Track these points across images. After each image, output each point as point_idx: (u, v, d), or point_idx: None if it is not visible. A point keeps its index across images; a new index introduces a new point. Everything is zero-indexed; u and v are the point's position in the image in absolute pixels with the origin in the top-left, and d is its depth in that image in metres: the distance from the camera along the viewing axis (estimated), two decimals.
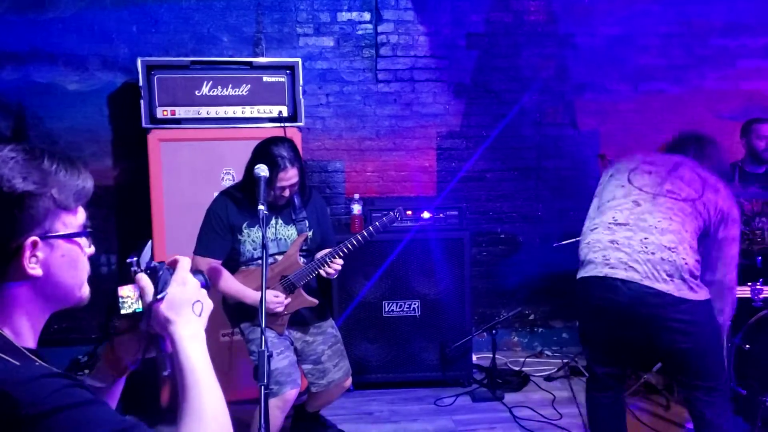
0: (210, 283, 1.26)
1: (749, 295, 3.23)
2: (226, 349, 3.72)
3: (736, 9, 4.88)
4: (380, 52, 4.62)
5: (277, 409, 2.93)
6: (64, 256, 1.07)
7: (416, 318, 4.13)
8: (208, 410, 1.08)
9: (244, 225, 3.01)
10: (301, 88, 3.91)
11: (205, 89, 3.83)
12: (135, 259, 1.17)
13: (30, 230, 1.02)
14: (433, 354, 4.17)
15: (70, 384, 0.94)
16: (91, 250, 1.13)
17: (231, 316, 3.13)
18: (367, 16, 4.59)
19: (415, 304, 4.13)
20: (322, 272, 3.02)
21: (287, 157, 2.87)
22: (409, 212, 4.11)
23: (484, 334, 4.53)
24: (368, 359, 4.13)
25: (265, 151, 2.90)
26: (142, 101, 3.74)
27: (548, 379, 4.37)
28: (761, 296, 3.20)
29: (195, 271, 1.23)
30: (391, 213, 3.11)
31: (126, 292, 1.16)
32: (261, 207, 2.45)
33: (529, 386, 4.26)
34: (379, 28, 4.60)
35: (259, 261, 2.97)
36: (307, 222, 3.09)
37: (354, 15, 4.58)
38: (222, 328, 3.70)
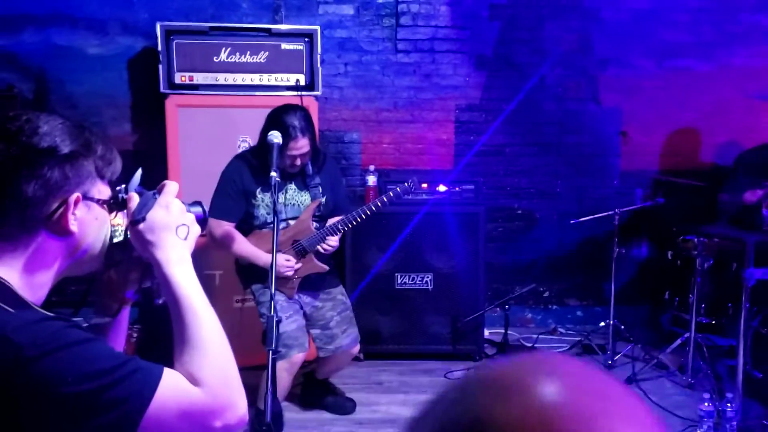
0: (208, 216, 1.25)
1: None
2: (237, 315, 3.81)
3: None
4: (400, 22, 4.60)
5: (285, 371, 3.01)
6: (97, 219, 1.13)
7: (428, 291, 4.16)
8: (203, 336, 1.09)
9: (258, 190, 3.07)
10: (319, 56, 3.93)
11: (223, 55, 3.86)
12: (123, 186, 1.17)
13: (75, 187, 1.08)
14: (444, 327, 4.22)
15: (68, 325, 0.99)
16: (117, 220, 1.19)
17: (243, 278, 3.21)
18: None
19: (428, 277, 4.16)
20: (319, 248, 3.08)
21: (298, 127, 2.91)
22: (424, 185, 4.13)
23: (497, 309, 4.56)
24: (380, 330, 4.19)
25: (277, 119, 2.94)
26: (160, 66, 3.78)
27: None
28: None
29: (195, 202, 1.23)
30: (406, 184, 3.15)
31: (117, 220, 1.17)
32: (273, 174, 2.51)
33: None
34: None
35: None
36: (320, 188, 3.15)
37: None
38: (236, 294, 3.78)
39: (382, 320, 4.20)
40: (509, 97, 4.74)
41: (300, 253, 3.12)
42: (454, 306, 4.19)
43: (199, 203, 1.23)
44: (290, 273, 3.08)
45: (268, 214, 3.08)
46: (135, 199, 1.16)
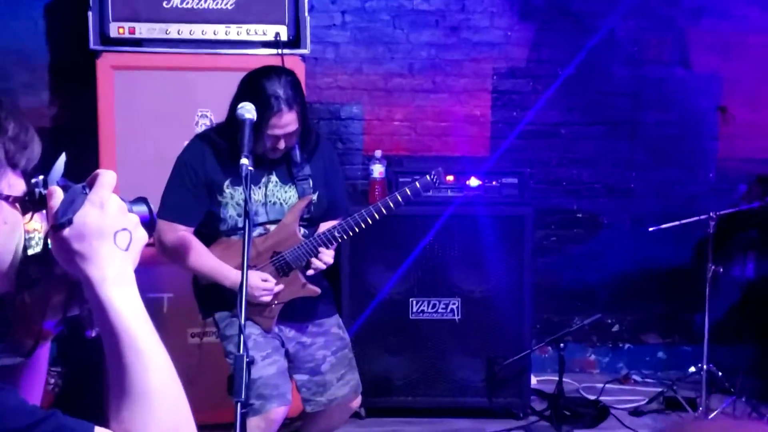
0: (155, 218, 1.23)
1: None
2: (194, 354, 3.77)
3: None
4: None
5: (258, 431, 2.98)
6: (6, 223, 1.11)
7: (455, 323, 4.15)
8: (149, 384, 1.07)
9: (227, 183, 3.03)
10: (306, 1, 3.91)
11: (176, 0, 3.84)
12: (41, 178, 1.14)
13: None
14: (476, 372, 4.19)
15: None
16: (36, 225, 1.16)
17: (203, 303, 3.18)
18: None
19: (454, 303, 4.15)
20: (310, 264, 3.07)
21: (283, 97, 2.89)
22: (450, 177, 4.10)
23: (549, 348, 4.55)
24: (388, 376, 4.17)
25: (254, 86, 2.91)
26: (90, 14, 3.76)
27: (636, 413, 4.37)
28: None
29: (138, 198, 1.20)
30: (427, 177, 3.12)
31: (33, 224, 1.14)
32: (244, 161, 2.49)
33: (608, 421, 4.26)
34: None
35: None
36: (311, 181, 3.12)
37: None
38: (191, 325, 3.75)
39: (392, 362, 4.17)
40: (566, 59, 4.72)
41: (282, 269, 3.09)
42: (489, 344, 4.17)
43: (143, 200, 1.21)
44: (267, 298, 3.04)
45: (239, 215, 3.04)
46: (58, 196, 1.12)
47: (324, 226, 3.13)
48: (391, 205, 3.10)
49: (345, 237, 3.12)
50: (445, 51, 4.70)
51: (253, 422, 2.91)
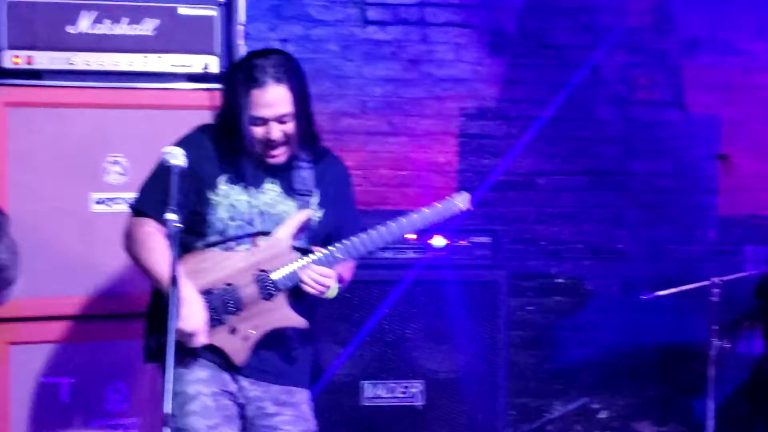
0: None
1: None
2: None
3: None
4: None
5: None
6: None
7: (418, 410, 4.12)
8: None
9: (222, 179, 2.99)
10: (241, 28, 3.87)
11: (83, 24, 3.77)
12: None
13: None
14: None
15: None
16: None
17: (151, 342, 3.01)
18: None
19: (415, 387, 4.12)
20: (302, 282, 2.97)
21: (270, 70, 2.90)
22: (411, 236, 4.05)
23: None
24: None
25: (240, 61, 3.09)
26: None
27: None
28: None
29: None
30: (454, 200, 3.13)
31: None
32: (171, 216, 2.53)
33: None
34: None
35: (232, 242, 2.99)
36: (315, 198, 3.07)
37: None
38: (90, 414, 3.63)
39: None
40: (544, 99, 4.77)
41: (265, 290, 2.99)
42: None
43: None
44: (195, 342, 2.88)
45: (231, 219, 2.98)
46: None
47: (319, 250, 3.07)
48: (407, 226, 3.06)
49: (347, 257, 3.03)
50: (403, 87, 4.72)
51: None
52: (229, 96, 2.97)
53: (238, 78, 2.93)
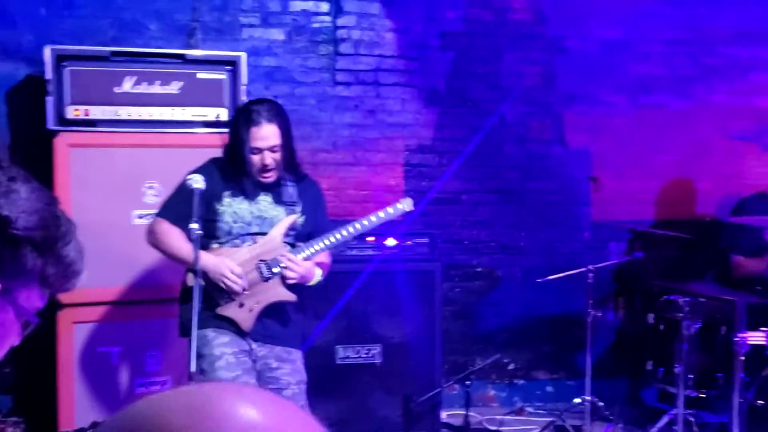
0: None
1: (764, 342, 3.23)
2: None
3: (749, 15, 4.97)
4: (339, 50, 4.56)
5: None
6: (2, 324, 1.01)
7: (376, 366, 4.05)
8: None
9: (227, 193, 2.97)
10: (244, 87, 3.83)
11: (127, 86, 3.71)
12: None
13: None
14: (395, 409, 4.07)
15: None
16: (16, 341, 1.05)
17: (183, 321, 2.93)
18: (324, 6, 4.53)
19: (375, 349, 4.05)
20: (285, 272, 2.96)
21: (263, 113, 2.92)
22: (370, 238, 4.03)
23: (456, 386, 4.45)
24: (317, 415, 3.98)
25: (242, 107, 3.09)
26: (48, 98, 3.59)
27: None
28: None
29: None
30: (401, 204, 3.14)
31: None
32: (194, 225, 2.43)
33: None
34: (339, 22, 4.55)
35: (238, 240, 2.98)
36: (298, 206, 3.07)
37: (309, 5, 4.52)
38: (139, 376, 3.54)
39: (320, 403, 3.98)
40: (466, 138, 4.74)
41: (263, 274, 2.96)
42: (406, 383, 4.06)
43: None
44: (234, 285, 2.89)
45: (234, 222, 2.97)
46: None
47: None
48: (367, 225, 3.07)
49: (323, 245, 3.02)
50: (363, 130, 4.66)
51: None
52: (234, 133, 2.98)
53: (241, 119, 2.94)
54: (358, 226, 3.05)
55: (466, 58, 4.74)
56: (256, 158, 2.93)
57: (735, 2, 4.94)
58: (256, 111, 2.94)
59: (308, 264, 3.00)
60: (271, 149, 2.93)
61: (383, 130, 4.68)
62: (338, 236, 3.02)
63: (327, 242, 3.01)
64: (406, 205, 3.14)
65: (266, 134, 2.91)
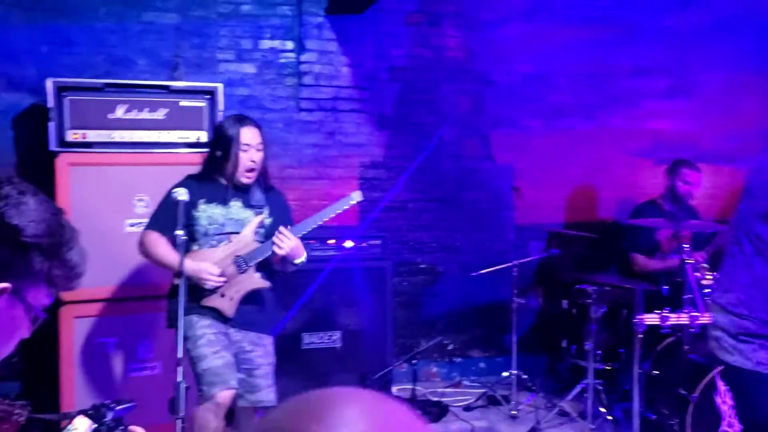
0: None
1: (658, 323, 3.32)
2: (135, 386, 3.49)
3: (642, 52, 5.11)
4: (303, 81, 4.55)
5: (210, 413, 2.74)
6: (13, 320, 0.99)
7: (336, 350, 4.03)
8: None
9: (202, 201, 2.93)
10: (221, 113, 3.80)
11: (119, 112, 3.65)
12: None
13: (10, 277, 0.95)
14: (352, 386, 4.06)
15: None
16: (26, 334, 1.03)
17: (171, 314, 2.90)
18: (290, 44, 4.53)
19: (335, 335, 4.04)
20: (275, 248, 2.89)
21: (249, 119, 2.98)
22: (331, 241, 4.03)
23: (405, 364, 4.47)
24: (285, 394, 3.96)
25: (230, 117, 3.06)
26: (50, 123, 3.52)
27: (467, 409, 4.34)
28: (668, 323, 3.29)
29: None
30: (351, 196, 3.05)
31: (80, 423, 1.06)
32: (179, 232, 2.41)
33: (448, 417, 4.20)
34: (302, 57, 4.55)
35: (214, 240, 2.93)
36: (266, 210, 3.04)
37: (276, 43, 4.50)
38: (132, 361, 3.48)
39: (288, 383, 3.91)
40: (411, 155, 4.77)
41: (241, 268, 2.93)
42: (362, 363, 4.06)
43: None
44: (212, 283, 2.86)
45: (209, 224, 2.93)
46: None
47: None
48: (330, 210, 3.01)
49: (299, 231, 2.95)
50: (324, 150, 4.64)
51: (204, 407, 2.74)
52: (224, 136, 2.92)
53: (229, 123, 2.95)
54: (318, 215, 3.02)
55: (410, 89, 4.77)
56: (245, 156, 2.91)
57: (631, 42, 5.08)
58: (242, 115, 3.02)
59: (298, 241, 2.92)
60: (257, 147, 2.95)
61: (341, 149, 4.67)
62: (310, 223, 2.98)
63: (295, 231, 2.95)
64: (356, 196, 3.10)
65: (254, 133, 2.95)
